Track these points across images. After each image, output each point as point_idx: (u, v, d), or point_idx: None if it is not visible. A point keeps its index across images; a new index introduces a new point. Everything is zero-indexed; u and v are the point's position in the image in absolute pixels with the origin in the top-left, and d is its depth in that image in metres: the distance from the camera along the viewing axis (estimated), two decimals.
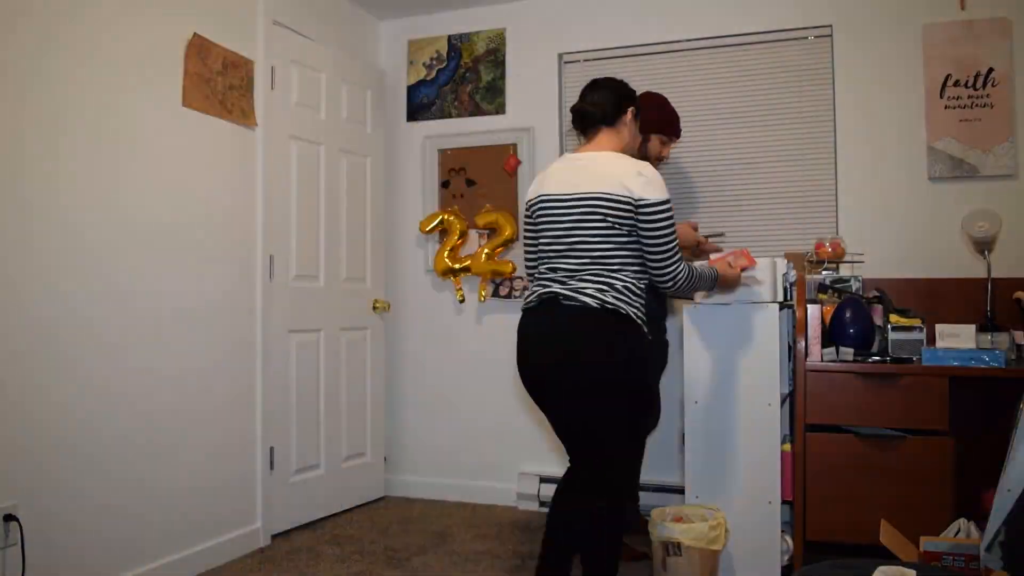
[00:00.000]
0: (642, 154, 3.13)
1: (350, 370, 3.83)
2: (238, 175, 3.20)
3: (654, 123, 3.09)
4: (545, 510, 3.39)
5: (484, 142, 4.01)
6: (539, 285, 2.24)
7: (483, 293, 3.94)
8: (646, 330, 2.19)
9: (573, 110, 2.34)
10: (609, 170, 2.17)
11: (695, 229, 3.08)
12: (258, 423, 3.28)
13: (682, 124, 3.66)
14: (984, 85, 3.21)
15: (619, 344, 2.11)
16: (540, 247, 2.28)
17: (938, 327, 2.81)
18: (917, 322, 2.79)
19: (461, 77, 4.08)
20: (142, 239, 2.74)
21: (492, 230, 3.92)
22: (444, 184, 4.11)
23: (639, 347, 2.15)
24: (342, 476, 3.76)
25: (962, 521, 2.33)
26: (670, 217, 2.15)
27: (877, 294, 3.02)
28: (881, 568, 1.59)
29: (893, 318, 2.83)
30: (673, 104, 3.59)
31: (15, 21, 2.32)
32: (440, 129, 4.12)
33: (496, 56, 4.01)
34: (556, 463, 3.78)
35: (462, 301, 4.01)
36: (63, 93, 2.46)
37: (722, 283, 2.44)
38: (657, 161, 3.13)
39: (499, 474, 3.95)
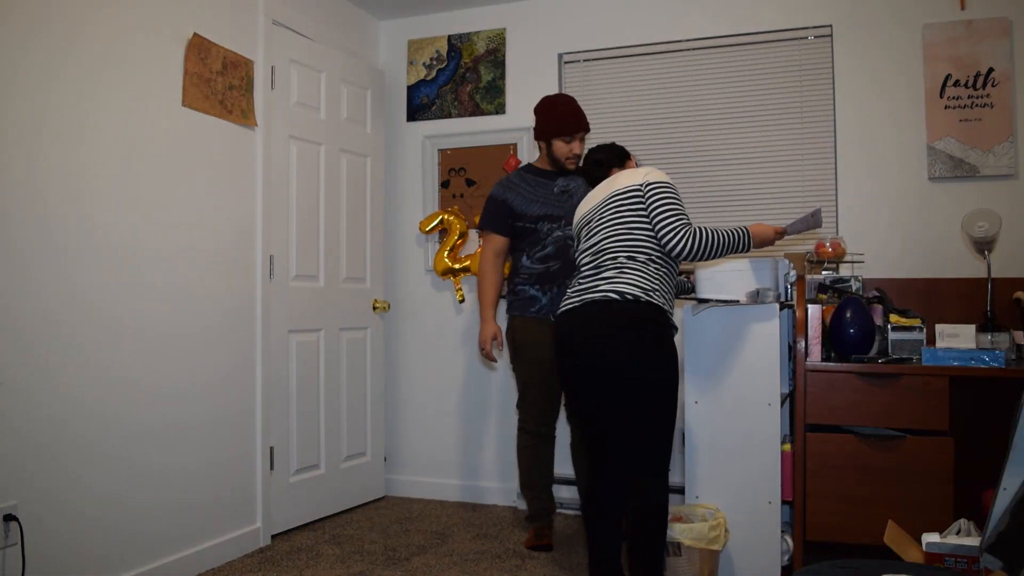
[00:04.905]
0: (552, 159, 3.23)
1: (350, 370, 3.83)
2: (238, 175, 3.20)
3: (547, 129, 3.17)
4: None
5: (484, 142, 4.01)
6: None
7: None
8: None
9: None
10: None
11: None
12: (258, 423, 3.28)
13: (683, 124, 3.68)
14: (984, 85, 3.21)
15: None
16: None
17: (938, 327, 2.81)
18: (917, 322, 2.80)
19: (461, 77, 4.08)
20: (141, 238, 2.74)
21: None
22: (444, 184, 4.11)
23: None
24: (342, 476, 3.76)
25: (962, 521, 2.33)
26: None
27: (877, 294, 3.02)
28: None
29: (893, 318, 2.83)
30: (673, 104, 3.60)
31: (14, 21, 2.32)
32: (440, 129, 4.12)
33: (496, 56, 4.01)
34: (556, 463, 3.77)
35: (462, 301, 4.01)
36: (62, 93, 2.46)
37: None
38: (570, 159, 3.18)
39: (499, 474, 3.95)
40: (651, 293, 2.30)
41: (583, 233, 2.52)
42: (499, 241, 3.25)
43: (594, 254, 2.43)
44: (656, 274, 2.35)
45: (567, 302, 2.44)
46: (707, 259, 2.36)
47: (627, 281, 2.31)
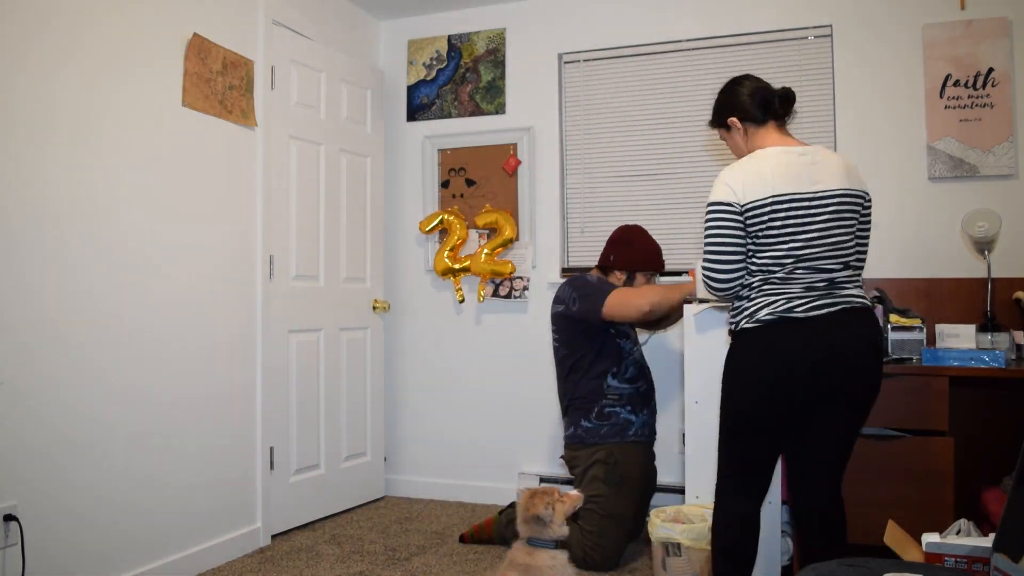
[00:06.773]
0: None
1: (350, 370, 3.83)
2: (238, 175, 3.20)
3: (636, 260, 3.13)
4: None
5: (484, 142, 4.01)
6: (803, 292, 2.01)
7: (482, 293, 3.94)
8: None
9: (783, 95, 2.28)
10: (842, 166, 2.14)
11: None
12: (258, 423, 3.28)
13: (683, 124, 3.68)
14: (984, 85, 3.21)
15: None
16: (782, 251, 2.03)
17: (938, 327, 2.81)
18: (917, 322, 2.79)
19: (461, 77, 4.08)
20: (140, 239, 2.74)
21: (492, 230, 3.92)
22: (444, 184, 4.11)
23: None
24: (342, 476, 3.76)
25: (962, 521, 2.33)
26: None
27: (877, 294, 3.02)
28: (888, 575, 1.59)
29: (893, 318, 2.83)
30: (673, 104, 3.59)
31: (13, 21, 2.32)
32: (440, 129, 4.12)
33: (496, 56, 4.01)
34: (555, 463, 3.78)
35: (462, 301, 4.01)
36: (62, 93, 2.46)
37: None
38: None
39: (499, 474, 3.95)
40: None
41: (793, 216, 2.01)
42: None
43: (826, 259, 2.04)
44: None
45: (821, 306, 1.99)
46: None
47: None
